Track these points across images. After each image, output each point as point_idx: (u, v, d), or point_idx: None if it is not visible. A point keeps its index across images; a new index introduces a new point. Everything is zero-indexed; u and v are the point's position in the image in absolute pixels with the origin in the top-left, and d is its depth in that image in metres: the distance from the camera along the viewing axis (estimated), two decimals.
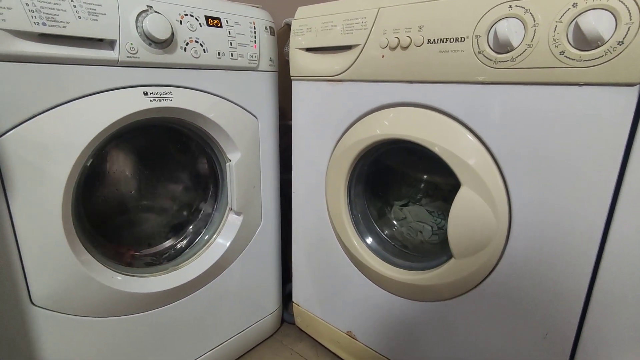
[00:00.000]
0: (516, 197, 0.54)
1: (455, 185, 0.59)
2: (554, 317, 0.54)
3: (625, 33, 0.42)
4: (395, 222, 0.86)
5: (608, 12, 0.42)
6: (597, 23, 0.42)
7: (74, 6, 0.52)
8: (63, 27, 0.51)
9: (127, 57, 0.58)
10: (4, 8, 0.47)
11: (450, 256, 0.62)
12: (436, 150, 0.59)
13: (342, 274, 0.83)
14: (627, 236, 0.46)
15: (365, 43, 0.65)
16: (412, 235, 0.84)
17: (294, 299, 0.99)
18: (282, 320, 1.07)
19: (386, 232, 0.83)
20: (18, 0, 0.47)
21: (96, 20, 0.54)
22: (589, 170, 0.47)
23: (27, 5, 0.48)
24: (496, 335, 0.61)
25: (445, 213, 0.82)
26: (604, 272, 0.49)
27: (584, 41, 0.44)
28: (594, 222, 0.48)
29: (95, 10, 0.54)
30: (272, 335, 1.02)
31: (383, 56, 0.63)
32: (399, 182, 0.89)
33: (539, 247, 0.54)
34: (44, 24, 0.50)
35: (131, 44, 0.58)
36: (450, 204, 0.59)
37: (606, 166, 0.46)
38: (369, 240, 0.79)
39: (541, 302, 0.55)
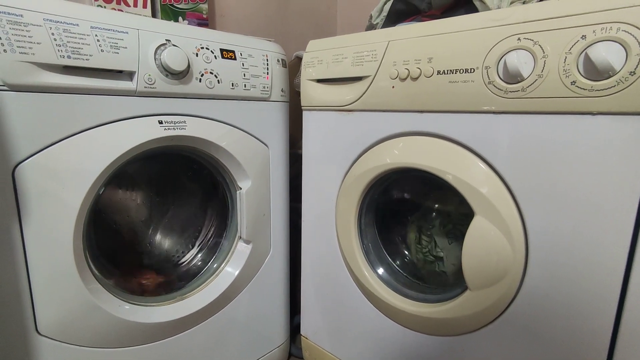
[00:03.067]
0: (532, 226, 0.53)
1: (468, 215, 0.58)
2: (579, 353, 0.51)
3: (636, 64, 0.42)
4: (407, 252, 0.84)
5: (617, 43, 0.43)
6: (607, 54, 0.43)
7: (98, 40, 0.55)
8: (86, 59, 0.54)
9: (145, 87, 0.60)
10: (34, 43, 0.49)
11: (465, 288, 0.60)
12: (448, 178, 0.59)
13: (352, 306, 0.80)
14: None
15: (376, 74, 0.67)
16: (425, 266, 0.82)
17: (302, 332, 0.96)
18: (290, 354, 1.03)
19: (398, 262, 0.81)
20: (47, 35, 0.50)
21: (117, 53, 0.57)
22: (607, 199, 0.46)
23: (55, 40, 0.51)
24: None
25: (459, 243, 0.80)
26: (630, 304, 0.47)
27: (595, 72, 0.44)
28: (615, 252, 0.47)
29: (117, 44, 0.56)
30: None
31: (393, 87, 0.65)
32: (410, 212, 0.88)
33: (559, 279, 0.52)
34: (68, 57, 0.52)
35: (149, 75, 0.60)
36: (464, 234, 0.58)
37: (625, 195, 0.45)
38: (380, 270, 0.77)
39: (564, 337, 0.52)
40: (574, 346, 0.52)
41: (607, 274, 0.48)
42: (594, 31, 0.44)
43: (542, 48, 0.48)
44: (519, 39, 0.50)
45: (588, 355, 0.51)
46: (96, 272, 0.61)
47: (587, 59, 0.45)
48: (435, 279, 0.79)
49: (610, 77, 0.44)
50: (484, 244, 0.56)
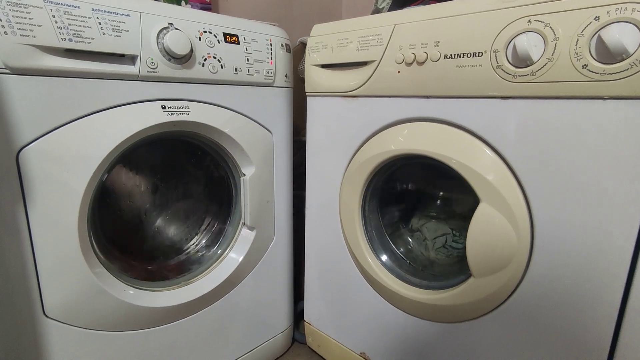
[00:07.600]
0: (538, 213, 0.52)
1: (473, 202, 0.57)
2: (583, 342, 0.51)
3: None
4: (410, 240, 0.84)
5: (632, 25, 0.42)
6: (621, 36, 0.41)
7: (99, 23, 0.54)
8: (88, 42, 0.53)
9: (147, 71, 0.60)
10: (35, 25, 0.48)
11: (468, 275, 0.60)
12: (453, 164, 0.58)
13: (355, 292, 0.81)
14: None
15: (381, 59, 0.66)
16: (428, 253, 0.81)
17: (305, 318, 0.97)
18: (293, 340, 1.04)
19: (401, 249, 0.81)
20: (48, 18, 0.49)
21: (119, 36, 0.56)
22: (616, 186, 0.46)
23: (57, 22, 0.50)
24: None
25: (463, 230, 0.80)
26: (635, 293, 0.46)
27: (608, 54, 0.43)
28: (623, 240, 0.46)
29: (119, 27, 0.56)
30: (282, 355, 0.99)
31: (399, 72, 0.63)
32: (414, 199, 0.87)
33: (564, 267, 0.51)
34: (70, 40, 0.51)
35: (151, 59, 0.60)
36: (469, 221, 0.57)
37: (635, 183, 0.44)
38: (384, 257, 0.77)
39: (569, 325, 0.52)
40: (577, 334, 0.51)
41: (613, 263, 0.47)
42: (607, 12, 0.43)
43: (553, 30, 0.47)
44: (529, 21, 0.49)
45: (591, 343, 0.50)
46: (101, 256, 0.62)
47: (600, 41, 0.43)
48: (438, 265, 0.79)
49: (623, 60, 0.43)
50: (488, 230, 0.55)
